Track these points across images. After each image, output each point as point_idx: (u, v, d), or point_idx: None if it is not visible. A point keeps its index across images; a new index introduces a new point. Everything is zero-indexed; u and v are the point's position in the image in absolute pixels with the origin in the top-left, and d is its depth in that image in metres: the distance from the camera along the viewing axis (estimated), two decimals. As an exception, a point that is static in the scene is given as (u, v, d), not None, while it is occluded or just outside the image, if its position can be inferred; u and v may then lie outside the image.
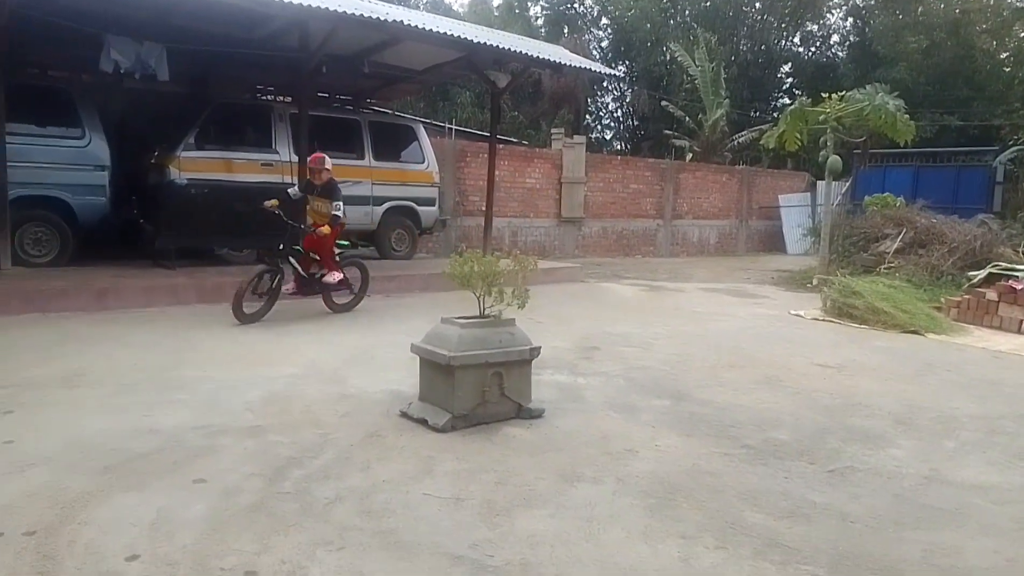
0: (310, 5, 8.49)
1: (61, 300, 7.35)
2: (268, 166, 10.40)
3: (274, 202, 7.49)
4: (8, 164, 8.09)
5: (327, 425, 4.25)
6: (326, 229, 7.46)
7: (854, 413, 4.95)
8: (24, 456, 3.58)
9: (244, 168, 10.13)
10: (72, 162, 9.04)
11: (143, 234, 9.76)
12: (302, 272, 7.67)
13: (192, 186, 9.22)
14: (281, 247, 7.51)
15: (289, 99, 12.14)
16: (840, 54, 29.64)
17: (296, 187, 8.30)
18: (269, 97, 12.82)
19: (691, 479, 3.64)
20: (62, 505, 3.07)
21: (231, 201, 9.30)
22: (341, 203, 7.61)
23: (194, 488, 3.30)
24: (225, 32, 9.96)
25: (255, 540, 2.84)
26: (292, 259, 7.60)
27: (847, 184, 17.98)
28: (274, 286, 7.38)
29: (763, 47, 28.76)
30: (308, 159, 8.23)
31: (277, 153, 10.54)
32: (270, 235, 8.17)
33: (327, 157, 7.80)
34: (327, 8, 8.66)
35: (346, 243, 8.33)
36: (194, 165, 9.63)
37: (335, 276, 7.73)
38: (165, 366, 5.46)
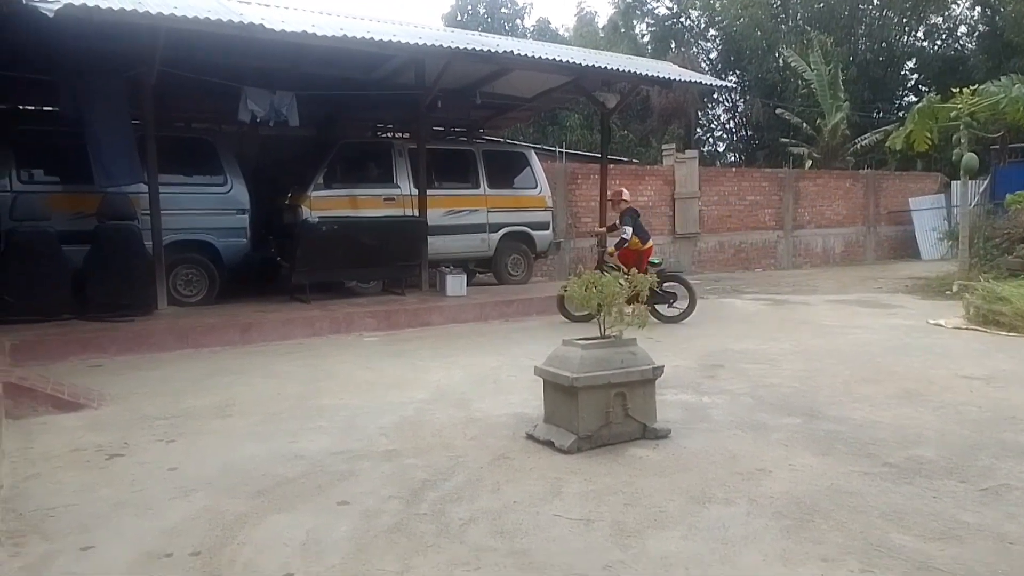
0: (426, 43, 8.89)
1: (211, 335, 7.91)
2: (391, 200, 10.85)
3: (603, 229, 10.68)
4: (162, 212, 8.82)
5: (457, 448, 4.39)
6: (611, 249, 9.28)
7: (1007, 427, 4.64)
8: (187, 481, 3.89)
9: (369, 203, 10.63)
10: (217, 207, 9.73)
11: (280, 271, 10.36)
12: None
13: (323, 223, 9.69)
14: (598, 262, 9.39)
15: (407, 135, 12.65)
16: (969, 46, 27.79)
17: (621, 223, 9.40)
18: (389, 134, 13.39)
19: (830, 499, 3.52)
20: (222, 527, 3.31)
21: (359, 236, 9.77)
22: (628, 228, 9.22)
23: (338, 510, 3.49)
24: (348, 75, 10.61)
25: (397, 560, 2.97)
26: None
27: (985, 183, 16.84)
28: None
29: (883, 44, 27.39)
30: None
31: (399, 187, 10.97)
32: (396, 267, 8.34)
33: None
34: (441, 45, 9.04)
35: (658, 261, 9.52)
36: (324, 203, 10.20)
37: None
38: (305, 394, 5.79)
